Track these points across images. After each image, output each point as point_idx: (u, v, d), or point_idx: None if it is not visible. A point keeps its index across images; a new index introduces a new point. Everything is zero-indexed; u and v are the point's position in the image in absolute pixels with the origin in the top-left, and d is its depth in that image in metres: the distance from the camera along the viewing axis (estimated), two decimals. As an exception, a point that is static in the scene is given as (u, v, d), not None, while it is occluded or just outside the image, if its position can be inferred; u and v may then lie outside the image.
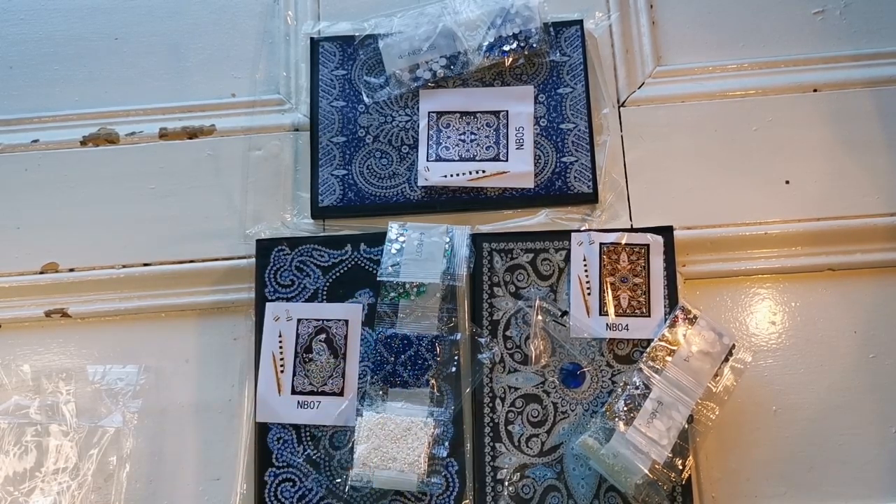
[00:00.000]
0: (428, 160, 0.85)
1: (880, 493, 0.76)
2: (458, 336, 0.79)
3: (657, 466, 0.71)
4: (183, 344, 0.83)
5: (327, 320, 0.79)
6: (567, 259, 0.80)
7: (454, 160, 0.85)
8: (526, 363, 0.78)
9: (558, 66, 0.88)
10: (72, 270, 0.85)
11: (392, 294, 0.79)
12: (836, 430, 0.78)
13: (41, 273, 0.85)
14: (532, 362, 0.78)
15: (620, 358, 0.78)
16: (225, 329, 0.83)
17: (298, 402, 0.77)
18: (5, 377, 0.81)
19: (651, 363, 0.75)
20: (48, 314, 0.84)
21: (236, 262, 0.84)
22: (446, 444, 0.75)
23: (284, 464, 0.76)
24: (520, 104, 0.86)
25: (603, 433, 0.73)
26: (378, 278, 0.79)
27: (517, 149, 0.85)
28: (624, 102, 0.88)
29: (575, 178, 0.84)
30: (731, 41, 0.90)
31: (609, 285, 0.79)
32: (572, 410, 0.77)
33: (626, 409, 0.73)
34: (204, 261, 0.84)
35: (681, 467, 0.72)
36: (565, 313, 0.79)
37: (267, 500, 0.76)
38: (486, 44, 0.86)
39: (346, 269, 0.81)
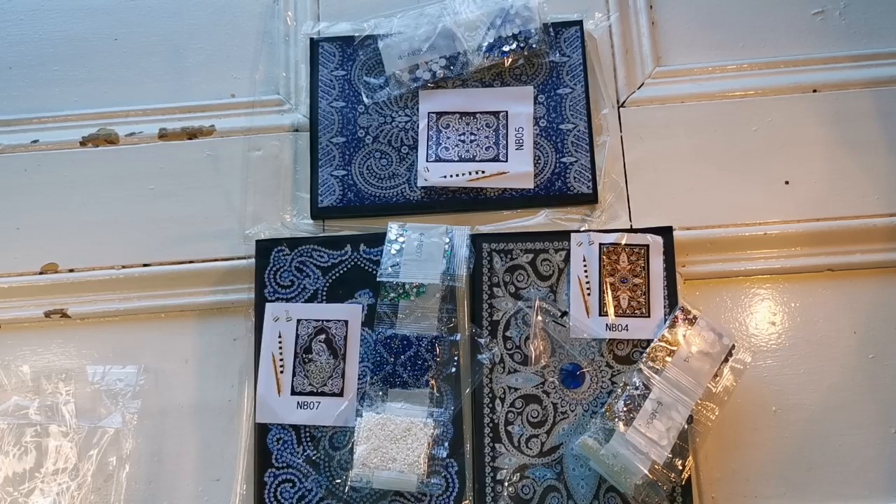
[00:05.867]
0: (427, 161, 0.85)
1: (880, 493, 0.76)
2: (458, 337, 0.79)
3: (657, 467, 0.71)
4: (183, 344, 0.83)
5: (327, 321, 0.79)
6: (567, 259, 0.80)
7: (454, 161, 0.85)
8: (526, 364, 0.78)
9: (558, 66, 0.88)
10: (71, 271, 0.85)
11: (392, 294, 0.79)
12: (836, 431, 0.78)
13: (41, 273, 0.85)
14: (532, 363, 0.78)
15: (620, 358, 0.78)
16: (225, 329, 0.83)
17: (298, 403, 0.77)
18: (5, 378, 0.81)
19: (651, 364, 0.75)
20: (48, 315, 0.84)
21: (236, 263, 0.84)
22: (446, 444, 0.75)
23: (284, 464, 0.76)
24: (519, 105, 0.86)
25: (603, 434, 0.73)
26: (378, 279, 0.79)
27: (517, 149, 0.85)
28: (623, 103, 0.88)
29: (574, 178, 0.84)
30: (731, 41, 0.90)
31: (609, 286, 0.79)
32: (572, 411, 0.77)
33: (625, 409, 0.73)
34: (204, 261, 0.84)
35: (680, 468, 0.72)
36: (565, 314, 0.79)
37: (267, 500, 0.76)
38: (485, 44, 0.86)
39: (345, 269, 0.81)
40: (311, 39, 0.90)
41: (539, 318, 0.79)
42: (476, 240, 0.81)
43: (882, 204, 0.83)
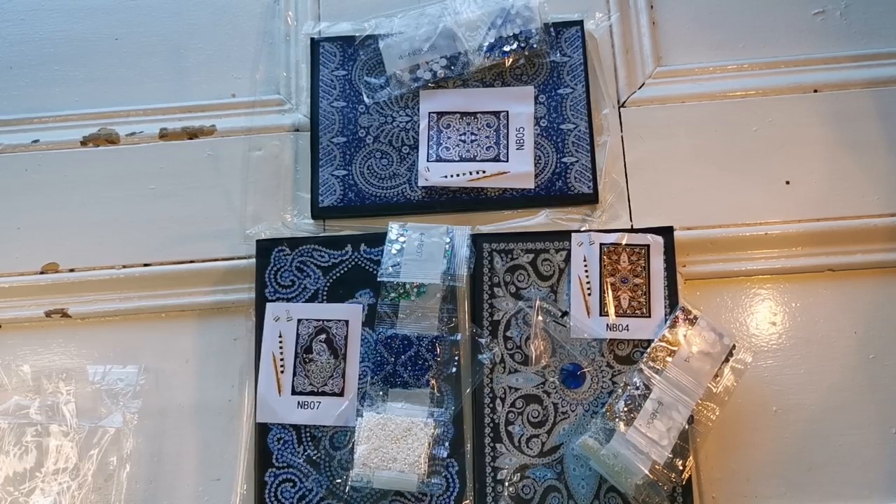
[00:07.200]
0: (428, 160, 0.85)
1: (880, 493, 0.76)
2: (459, 336, 0.79)
3: (657, 467, 0.71)
4: (183, 344, 0.83)
5: (327, 321, 0.80)
6: (567, 259, 0.80)
7: (454, 160, 0.85)
8: (526, 364, 0.78)
9: (558, 66, 0.88)
10: (72, 271, 0.85)
11: (392, 294, 0.79)
12: (836, 431, 0.78)
13: (41, 273, 0.85)
14: (532, 363, 0.78)
15: (621, 358, 0.78)
16: (225, 329, 0.83)
17: (298, 403, 0.77)
18: (5, 377, 0.81)
19: (651, 364, 0.75)
20: (48, 314, 0.84)
21: (236, 263, 0.84)
22: (447, 444, 0.75)
23: (285, 464, 0.76)
24: (520, 104, 0.86)
25: (603, 434, 0.73)
26: (378, 279, 0.79)
27: (517, 149, 0.85)
28: (624, 103, 0.88)
29: (575, 178, 0.84)
30: (731, 41, 0.90)
31: (609, 286, 0.79)
32: (573, 411, 0.77)
33: (626, 409, 0.73)
34: (204, 261, 0.84)
35: (681, 468, 0.72)
36: (565, 314, 0.79)
37: (267, 500, 0.76)
38: (486, 44, 0.86)
39: (346, 269, 0.81)
40: (312, 39, 0.90)
41: (539, 318, 0.79)
42: (477, 240, 0.81)
43: (882, 204, 0.83)
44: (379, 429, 0.74)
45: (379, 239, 0.81)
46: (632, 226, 0.83)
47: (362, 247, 0.81)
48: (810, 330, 0.81)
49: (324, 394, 0.78)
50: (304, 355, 0.79)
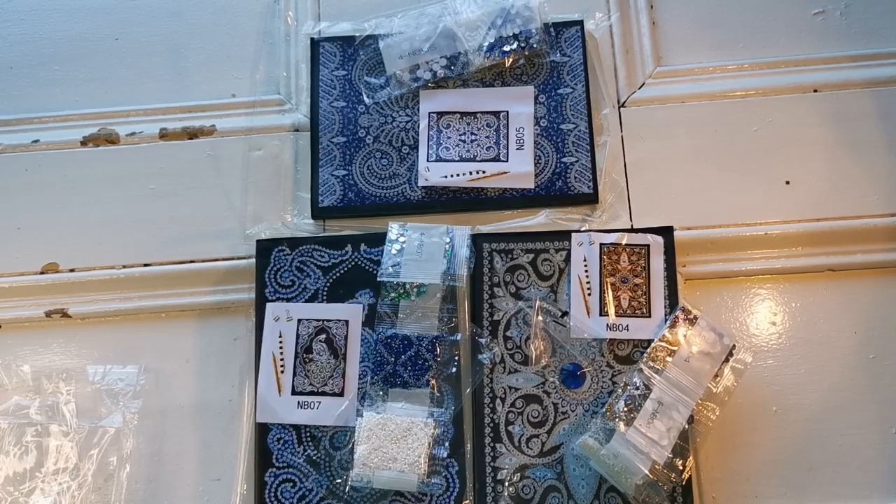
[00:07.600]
0: (428, 160, 0.85)
1: (880, 493, 0.76)
2: (459, 336, 0.79)
3: (657, 467, 0.71)
4: (183, 344, 0.83)
5: (327, 321, 0.80)
6: (567, 259, 0.80)
7: (454, 160, 0.85)
8: (526, 364, 0.78)
9: (558, 66, 0.88)
10: (72, 271, 0.85)
11: (392, 294, 0.79)
12: (836, 431, 0.78)
13: (41, 273, 0.85)
14: (532, 363, 0.78)
15: (621, 358, 0.78)
16: (225, 329, 0.83)
17: (298, 403, 0.77)
18: (5, 377, 0.81)
19: (651, 364, 0.75)
20: (48, 314, 0.84)
21: (236, 263, 0.84)
22: (447, 444, 0.75)
23: (285, 464, 0.76)
24: (520, 104, 0.86)
25: (603, 434, 0.73)
26: (378, 279, 0.79)
27: (517, 149, 0.85)
28: (624, 103, 0.88)
29: (575, 178, 0.84)
30: (731, 41, 0.90)
31: (609, 286, 0.79)
32: (573, 411, 0.77)
33: (626, 409, 0.73)
34: (204, 261, 0.84)
35: (681, 468, 0.72)
36: (565, 314, 0.79)
37: (267, 500, 0.76)
38: (486, 44, 0.86)
39: (346, 269, 0.81)
40: (312, 39, 0.90)
41: (539, 317, 0.79)
42: (477, 240, 0.81)
43: (882, 204, 0.83)
44: (379, 429, 0.74)
45: (379, 239, 0.81)
46: (632, 226, 0.83)
47: (362, 247, 0.81)
48: (810, 330, 0.81)
49: (324, 394, 0.78)
50: (304, 355, 0.79)
